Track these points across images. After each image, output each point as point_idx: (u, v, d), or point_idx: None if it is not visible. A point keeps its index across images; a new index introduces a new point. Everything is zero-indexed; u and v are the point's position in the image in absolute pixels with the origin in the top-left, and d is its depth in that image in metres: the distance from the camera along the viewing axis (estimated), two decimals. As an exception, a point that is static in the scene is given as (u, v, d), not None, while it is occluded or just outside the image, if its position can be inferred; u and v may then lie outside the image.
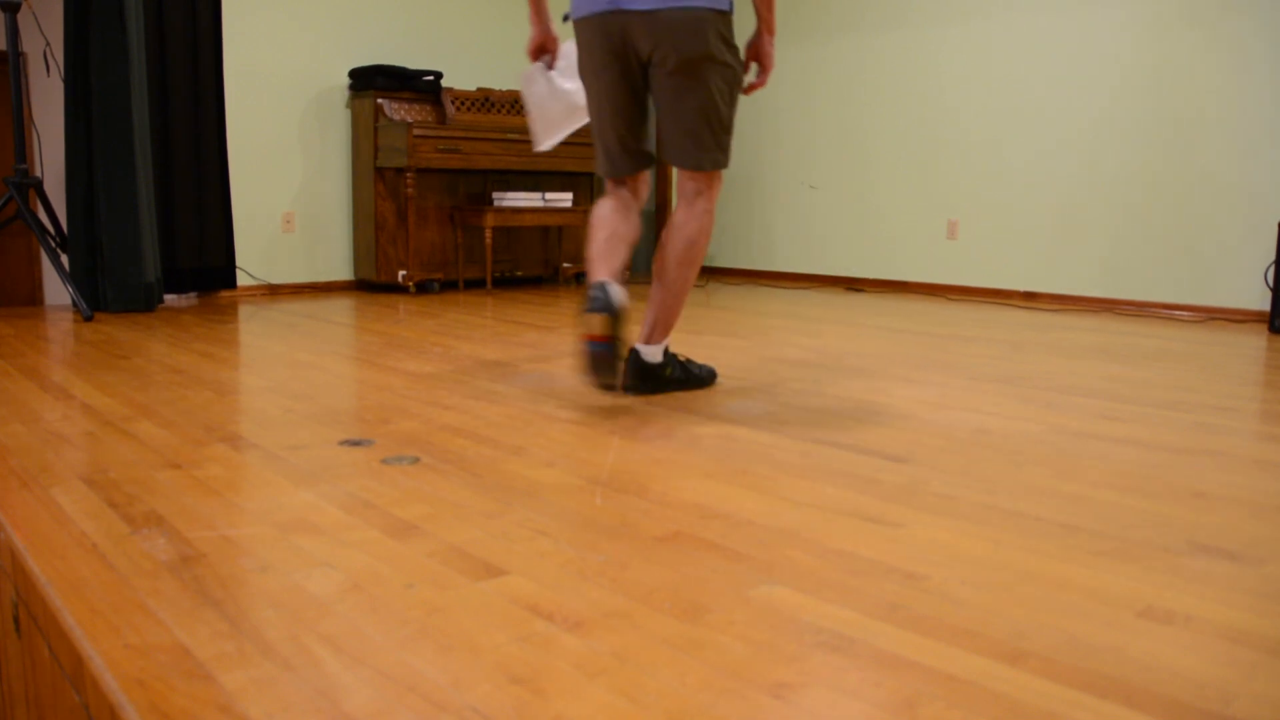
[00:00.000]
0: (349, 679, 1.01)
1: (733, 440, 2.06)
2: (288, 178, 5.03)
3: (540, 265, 5.65)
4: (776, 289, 5.52)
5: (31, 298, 4.46)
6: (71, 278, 4.02)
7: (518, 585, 1.27)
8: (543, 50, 2.59)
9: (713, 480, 1.76)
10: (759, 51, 2.50)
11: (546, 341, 3.38)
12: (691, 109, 2.36)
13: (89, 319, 3.87)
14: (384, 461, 1.86)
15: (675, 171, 2.48)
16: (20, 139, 3.97)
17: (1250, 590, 1.29)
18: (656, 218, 6.43)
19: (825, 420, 2.25)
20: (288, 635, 1.11)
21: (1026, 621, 1.18)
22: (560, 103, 2.64)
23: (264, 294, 4.95)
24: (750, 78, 2.55)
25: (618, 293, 2.25)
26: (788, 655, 1.08)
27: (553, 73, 2.61)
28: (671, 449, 1.98)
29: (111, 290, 4.07)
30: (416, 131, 4.81)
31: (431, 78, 5.12)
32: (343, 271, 5.28)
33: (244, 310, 4.32)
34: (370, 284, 5.23)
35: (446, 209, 5.24)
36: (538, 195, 5.26)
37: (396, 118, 4.97)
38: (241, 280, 4.90)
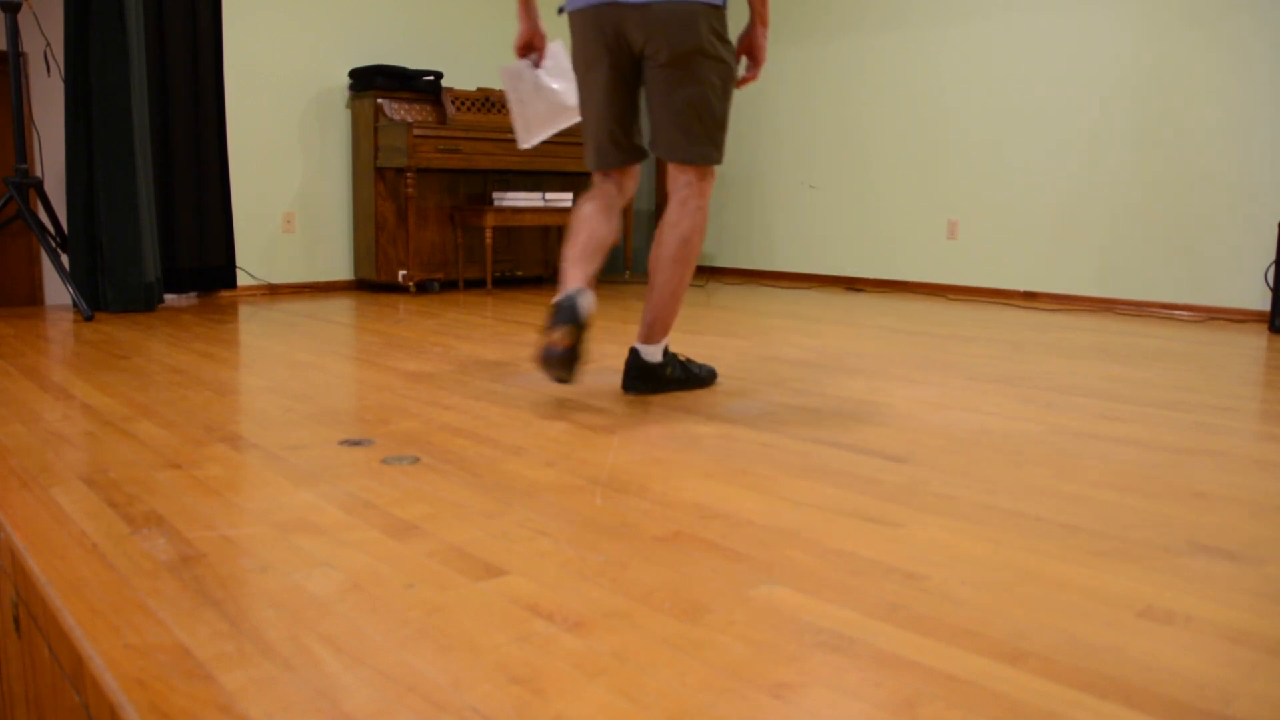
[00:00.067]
0: (349, 679, 1.01)
1: (733, 440, 2.06)
2: (288, 178, 5.03)
3: (540, 265, 5.65)
4: (776, 289, 5.52)
5: (31, 298, 4.46)
6: (71, 278, 4.02)
7: (518, 585, 1.27)
8: (530, 47, 2.59)
9: (713, 480, 1.76)
10: (752, 44, 2.50)
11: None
12: (683, 103, 2.36)
13: (89, 319, 3.87)
14: (384, 461, 1.86)
15: (668, 168, 2.46)
16: (20, 139, 3.97)
17: (1250, 590, 1.29)
18: (656, 216, 6.43)
19: (825, 420, 2.25)
20: (288, 635, 1.11)
21: (1026, 621, 1.18)
22: (545, 101, 2.63)
23: (264, 294, 4.95)
24: (742, 70, 2.55)
25: (586, 303, 2.28)
26: (788, 655, 1.08)
27: (539, 71, 2.61)
28: (671, 449, 1.98)
29: (111, 290, 4.07)
30: (416, 131, 4.81)
31: (431, 78, 5.12)
32: (343, 271, 5.28)
33: (244, 310, 4.32)
34: (370, 284, 5.23)
35: (446, 209, 5.24)
36: (538, 195, 5.26)
37: (396, 118, 4.97)
38: (241, 280, 4.90)
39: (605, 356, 3.10)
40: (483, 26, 5.65)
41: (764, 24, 2.48)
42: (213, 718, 0.93)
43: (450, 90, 5.17)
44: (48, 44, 4.28)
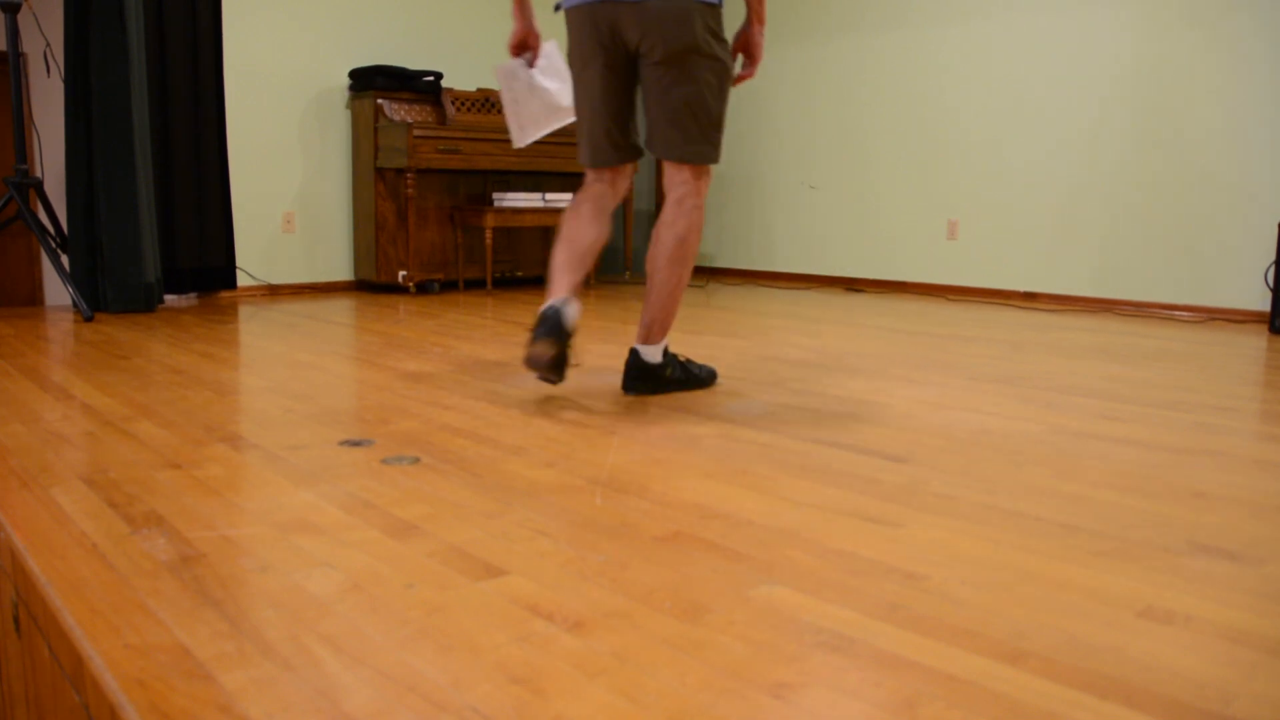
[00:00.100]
0: (349, 679, 1.01)
1: (733, 440, 2.06)
2: (288, 178, 5.03)
3: (540, 265, 5.65)
4: (776, 289, 5.52)
5: (31, 298, 4.46)
6: (71, 278, 4.02)
7: (518, 585, 1.27)
8: (524, 46, 2.58)
9: (713, 480, 1.76)
10: (748, 41, 2.50)
11: (546, 341, 3.38)
12: (678, 101, 2.36)
13: (89, 319, 3.87)
14: (384, 461, 1.86)
15: (665, 167, 2.46)
16: (20, 139, 3.97)
17: (1250, 590, 1.29)
18: (656, 215, 6.43)
19: (825, 420, 2.25)
20: (288, 635, 1.11)
21: (1026, 621, 1.18)
22: (539, 100, 2.63)
23: (264, 294, 4.95)
24: (739, 68, 2.55)
25: (570, 312, 2.33)
26: (788, 655, 1.08)
27: (533, 71, 2.60)
28: (671, 449, 1.98)
29: (111, 290, 4.07)
30: (417, 132, 4.81)
31: (431, 78, 5.12)
32: (343, 272, 5.28)
33: (244, 310, 4.32)
34: (370, 284, 5.23)
35: (446, 209, 5.24)
36: (538, 195, 5.26)
37: (396, 118, 4.97)
38: (241, 280, 4.90)
39: (605, 356, 3.10)
40: (483, 26, 5.65)
41: (760, 22, 2.48)
42: (213, 718, 0.93)
43: (450, 90, 5.17)
44: (48, 44, 4.28)
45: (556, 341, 2.29)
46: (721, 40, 2.37)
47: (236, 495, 1.64)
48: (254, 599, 1.21)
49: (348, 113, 5.19)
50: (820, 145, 5.78)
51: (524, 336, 3.52)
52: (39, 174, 4.28)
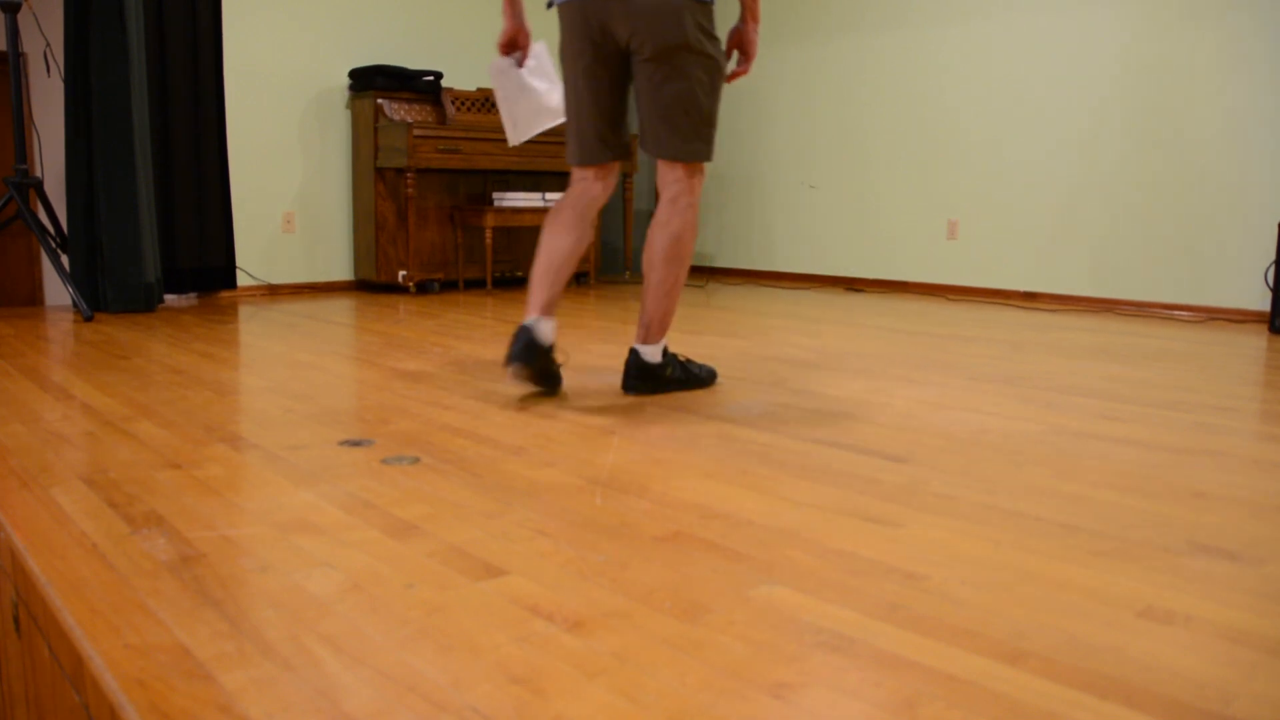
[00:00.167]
0: (349, 679, 1.01)
1: (733, 440, 2.06)
2: (288, 178, 5.03)
3: (540, 265, 5.64)
4: (776, 289, 5.52)
5: (31, 298, 4.46)
6: (71, 278, 4.02)
7: (518, 585, 1.27)
8: (514, 45, 2.58)
9: (713, 480, 1.76)
10: (743, 39, 2.50)
11: (546, 341, 3.38)
12: (670, 98, 2.36)
13: (89, 319, 3.87)
14: (384, 461, 1.86)
15: (659, 165, 2.46)
16: (20, 139, 3.97)
17: (1250, 590, 1.29)
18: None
19: (825, 420, 2.25)
20: (288, 635, 1.11)
21: (1026, 621, 1.18)
22: (529, 100, 2.63)
23: (264, 294, 4.95)
24: (733, 65, 2.54)
25: (543, 331, 2.38)
26: (788, 655, 1.08)
27: (522, 71, 2.60)
28: (671, 449, 1.98)
29: (111, 290, 4.07)
30: (416, 132, 4.81)
31: (431, 78, 5.12)
32: (343, 271, 5.28)
33: (244, 310, 4.32)
34: (370, 284, 5.23)
35: (446, 209, 5.24)
36: (538, 195, 5.26)
37: (396, 118, 4.97)
38: (241, 280, 4.90)
39: (605, 356, 3.10)
40: (483, 26, 5.65)
41: (755, 19, 2.47)
42: (213, 718, 0.93)
43: (450, 90, 5.17)
44: (48, 44, 4.28)
45: (527, 366, 2.36)
46: (713, 37, 2.36)
47: (236, 495, 1.64)
48: (254, 599, 1.21)
49: (348, 113, 5.19)
50: (820, 145, 5.78)
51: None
52: (39, 174, 4.28)
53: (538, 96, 2.62)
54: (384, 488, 1.69)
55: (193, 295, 4.79)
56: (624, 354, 3.09)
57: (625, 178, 5.80)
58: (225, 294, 4.85)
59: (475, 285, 5.36)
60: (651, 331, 2.48)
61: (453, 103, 5.15)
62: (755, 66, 5.92)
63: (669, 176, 2.44)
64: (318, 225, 5.16)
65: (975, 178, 5.10)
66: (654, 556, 1.38)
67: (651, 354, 2.50)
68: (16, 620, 1.41)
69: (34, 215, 3.98)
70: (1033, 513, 1.60)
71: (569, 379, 2.69)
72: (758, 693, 1.00)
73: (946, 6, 5.14)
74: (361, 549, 1.39)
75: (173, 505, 1.58)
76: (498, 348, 3.26)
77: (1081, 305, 4.72)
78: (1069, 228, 4.77)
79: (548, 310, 2.41)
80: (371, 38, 5.24)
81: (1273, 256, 4.11)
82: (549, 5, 2.46)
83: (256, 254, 4.96)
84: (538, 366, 2.38)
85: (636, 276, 6.09)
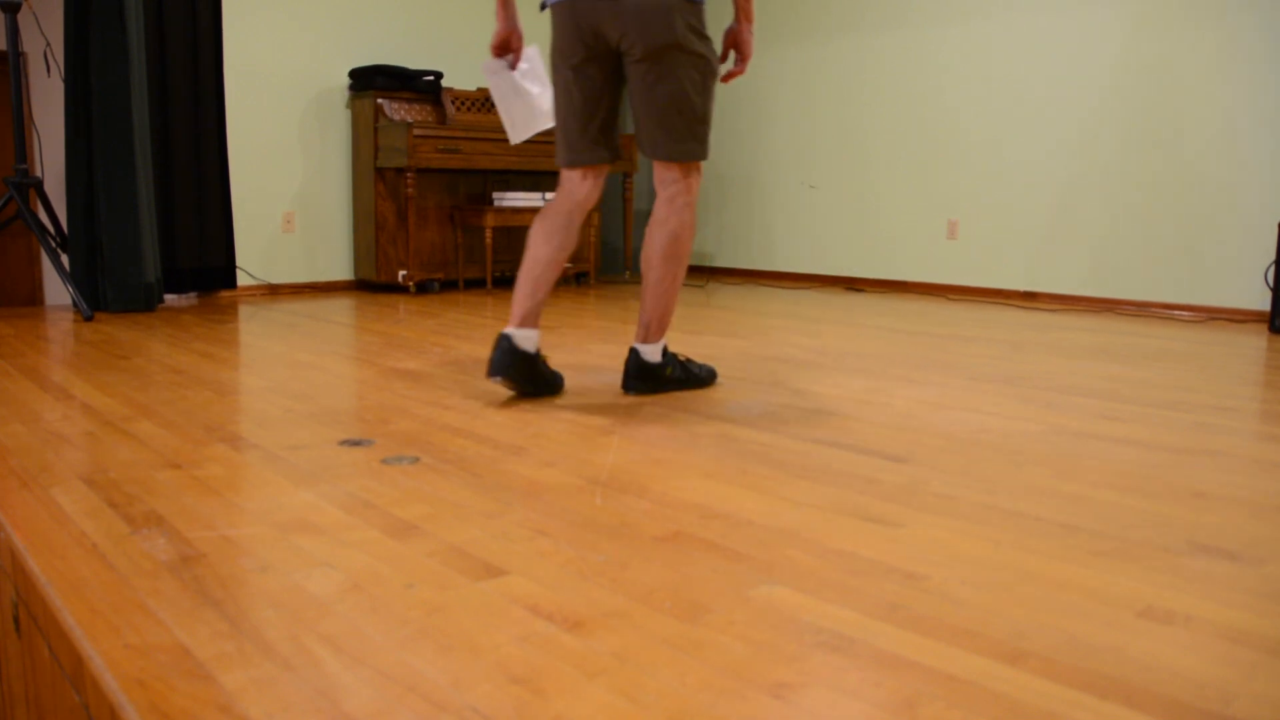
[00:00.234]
0: (349, 679, 1.01)
1: (733, 440, 2.06)
2: (288, 178, 5.03)
3: (540, 265, 5.64)
4: (776, 289, 5.52)
5: (31, 298, 4.46)
6: (71, 278, 4.02)
7: (518, 585, 1.27)
8: (506, 47, 2.57)
9: (713, 480, 1.76)
10: (737, 39, 2.50)
11: (546, 341, 3.38)
12: (663, 99, 2.36)
13: (89, 319, 3.87)
14: (384, 461, 1.86)
15: (655, 166, 2.46)
16: (20, 139, 3.97)
17: (1250, 590, 1.29)
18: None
19: (825, 420, 2.25)
20: (288, 635, 1.11)
21: (1026, 621, 1.18)
22: (524, 102, 2.63)
23: (264, 294, 4.95)
24: (729, 65, 2.54)
25: (524, 341, 2.39)
26: (788, 655, 1.08)
27: (515, 74, 2.60)
28: (671, 449, 1.98)
29: (111, 290, 4.07)
30: (417, 131, 4.81)
31: (431, 78, 5.12)
32: (343, 271, 5.28)
33: (244, 310, 4.32)
34: (370, 284, 5.23)
35: (446, 209, 5.24)
36: (538, 195, 5.26)
37: (397, 118, 4.97)
38: (241, 280, 4.90)
39: (605, 356, 3.10)
40: (483, 26, 5.65)
41: (748, 19, 2.47)
42: (213, 718, 0.93)
43: (450, 90, 5.17)
44: (48, 44, 4.28)
45: (508, 375, 2.38)
46: (704, 37, 2.36)
47: (236, 495, 1.64)
48: (254, 599, 1.21)
49: (348, 112, 5.19)
50: (820, 145, 5.78)
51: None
52: (39, 174, 4.28)
53: (531, 99, 2.62)
54: (384, 488, 1.69)
55: (193, 295, 4.79)
56: (624, 354, 3.09)
57: (625, 178, 5.80)
58: (225, 294, 4.85)
59: (475, 285, 5.36)
60: (651, 331, 2.48)
61: (453, 103, 5.15)
62: (755, 66, 5.93)
63: (666, 176, 2.44)
64: (318, 225, 5.16)
65: (975, 177, 5.10)
66: (654, 556, 1.38)
67: (651, 353, 2.50)
68: (16, 620, 1.41)
69: (34, 215, 3.98)
70: (1033, 513, 1.60)
71: (568, 378, 2.69)
72: (758, 693, 1.00)
73: (946, 6, 5.14)
74: (361, 549, 1.39)
75: (173, 505, 1.58)
76: (498, 348, 3.26)
77: (1081, 305, 4.72)
78: (1069, 227, 4.77)
79: (526, 321, 2.42)
80: (371, 38, 5.24)
81: (1273, 256, 4.11)
82: (542, 7, 2.46)
83: (256, 254, 4.96)
84: (520, 374, 2.41)
85: (636, 276, 6.09)
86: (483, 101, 5.26)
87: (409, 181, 4.87)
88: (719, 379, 2.71)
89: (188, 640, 1.09)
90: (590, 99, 2.43)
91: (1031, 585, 1.29)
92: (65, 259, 4.12)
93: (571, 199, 2.49)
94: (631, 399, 2.46)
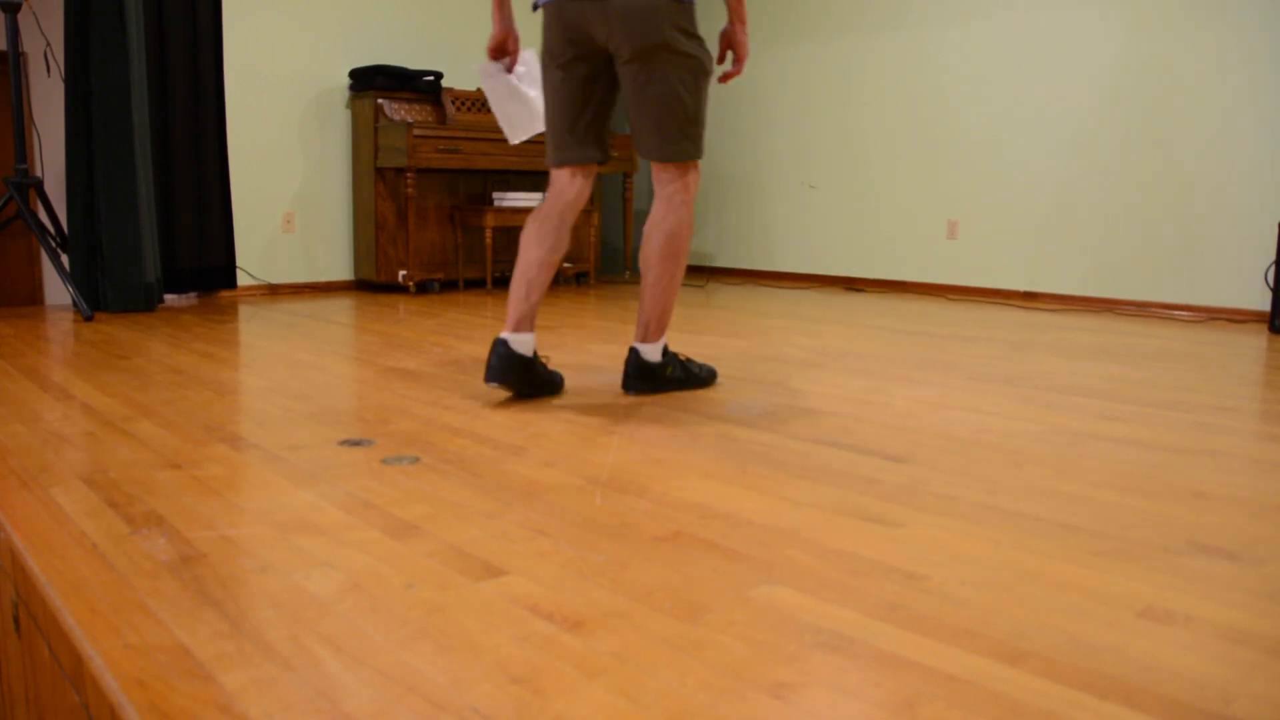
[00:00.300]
0: (349, 679, 1.01)
1: (733, 440, 2.06)
2: (288, 178, 5.03)
3: (540, 265, 5.64)
4: (776, 289, 5.52)
5: (31, 298, 4.46)
6: (71, 278, 4.02)
7: (518, 585, 1.27)
8: (503, 50, 2.57)
9: (713, 480, 1.76)
10: (732, 40, 2.50)
11: (545, 341, 3.38)
12: (654, 100, 2.36)
13: (89, 319, 3.87)
14: (384, 461, 1.86)
15: (652, 166, 2.46)
16: (20, 139, 3.97)
17: (1250, 590, 1.29)
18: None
19: (825, 420, 2.25)
20: (288, 635, 1.11)
21: (1026, 621, 1.18)
22: (521, 104, 2.62)
23: (264, 294, 4.95)
24: (727, 67, 2.54)
25: (520, 345, 2.39)
26: (788, 655, 1.08)
27: (511, 76, 2.60)
28: (671, 449, 1.98)
29: (111, 290, 4.07)
30: (417, 131, 4.81)
31: (431, 78, 5.12)
32: (343, 271, 5.28)
33: (244, 310, 4.32)
34: (370, 284, 5.23)
35: (446, 209, 5.24)
36: (537, 195, 5.26)
37: (397, 118, 4.97)
38: (241, 280, 4.90)
39: (605, 356, 3.10)
40: (483, 26, 5.64)
41: (741, 21, 2.47)
42: (213, 718, 0.93)
43: (450, 90, 5.17)
44: (48, 44, 4.28)
45: (505, 381, 2.39)
46: (694, 36, 2.36)
47: (236, 495, 1.64)
48: (254, 599, 1.21)
49: (348, 113, 5.19)
50: (820, 145, 5.78)
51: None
52: (39, 174, 4.28)
53: (529, 103, 2.62)
54: (384, 488, 1.69)
55: (193, 295, 4.79)
56: (624, 353, 3.09)
57: (625, 178, 5.80)
58: (225, 294, 4.85)
59: (475, 285, 5.36)
60: (650, 330, 2.48)
61: (453, 103, 5.15)
62: (755, 66, 5.93)
63: (663, 176, 2.45)
64: (318, 225, 5.16)
65: (975, 177, 5.10)
66: (654, 556, 1.38)
67: (651, 353, 2.50)
68: (16, 620, 1.41)
69: (34, 215, 3.98)
70: (1033, 513, 1.60)
71: (568, 378, 2.69)
72: (758, 693, 1.00)
73: (946, 6, 5.14)
74: (361, 549, 1.39)
75: (173, 505, 1.58)
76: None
77: (1081, 305, 4.72)
78: (1069, 227, 4.77)
79: (521, 325, 2.42)
80: (371, 38, 5.24)
81: (1273, 256, 4.11)
82: (534, 8, 2.46)
83: (256, 254, 4.96)
84: (517, 379, 2.41)
85: (636, 276, 6.09)
86: (483, 102, 5.26)
87: (409, 181, 4.87)
88: (719, 379, 2.71)
89: (188, 640, 1.09)
90: (578, 98, 2.43)
91: (1031, 585, 1.29)
92: (65, 259, 4.12)
93: (562, 199, 2.48)
94: (631, 399, 2.46)
